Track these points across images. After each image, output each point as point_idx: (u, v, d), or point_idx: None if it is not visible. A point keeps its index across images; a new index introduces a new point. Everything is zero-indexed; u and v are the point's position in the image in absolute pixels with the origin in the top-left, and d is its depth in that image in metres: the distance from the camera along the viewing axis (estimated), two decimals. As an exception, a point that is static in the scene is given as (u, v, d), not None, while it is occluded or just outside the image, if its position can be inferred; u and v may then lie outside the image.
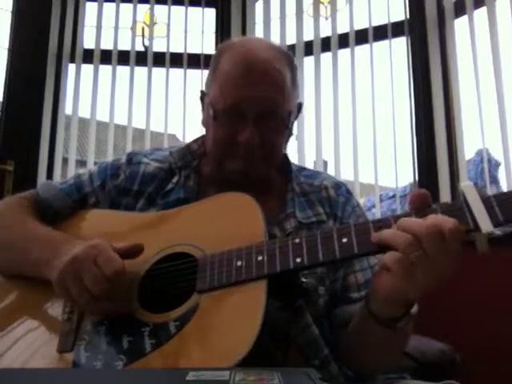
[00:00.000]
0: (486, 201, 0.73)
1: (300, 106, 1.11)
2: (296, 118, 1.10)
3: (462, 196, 0.75)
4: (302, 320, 0.92)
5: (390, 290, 0.76)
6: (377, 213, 2.67)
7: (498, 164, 2.84)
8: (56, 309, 0.92)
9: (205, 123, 1.08)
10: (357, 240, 0.78)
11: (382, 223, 0.79)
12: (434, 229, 0.72)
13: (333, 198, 1.08)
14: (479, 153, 2.56)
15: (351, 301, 0.99)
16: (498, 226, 0.72)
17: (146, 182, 1.08)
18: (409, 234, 0.73)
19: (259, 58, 0.99)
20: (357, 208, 1.09)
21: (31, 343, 0.90)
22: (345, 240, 0.79)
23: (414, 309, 0.81)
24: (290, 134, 1.10)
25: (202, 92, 1.10)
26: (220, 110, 0.98)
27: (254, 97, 0.96)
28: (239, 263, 0.82)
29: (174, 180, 1.07)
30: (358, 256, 0.80)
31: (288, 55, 1.05)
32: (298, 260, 0.80)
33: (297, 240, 0.82)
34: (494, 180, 2.90)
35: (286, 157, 1.14)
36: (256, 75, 0.97)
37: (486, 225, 0.72)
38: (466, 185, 0.75)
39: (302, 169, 1.16)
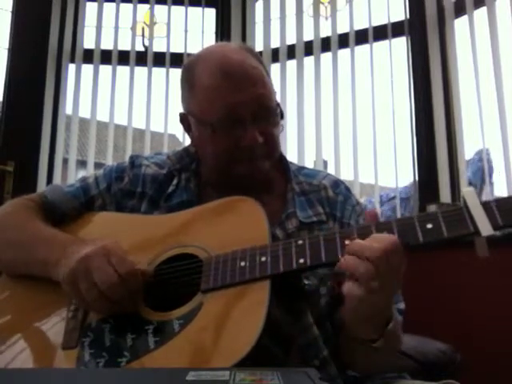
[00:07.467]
0: (485, 205, 0.75)
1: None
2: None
3: (463, 200, 0.77)
4: (303, 320, 0.93)
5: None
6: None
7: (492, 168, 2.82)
8: (61, 307, 0.93)
9: (197, 141, 1.06)
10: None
11: (384, 226, 0.80)
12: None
13: (331, 198, 1.08)
14: (479, 153, 2.56)
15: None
16: (498, 230, 0.74)
17: (146, 183, 1.09)
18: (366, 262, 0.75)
19: (232, 60, 0.99)
20: (357, 207, 1.09)
21: (36, 341, 0.91)
22: (347, 242, 0.80)
23: (390, 326, 0.82)
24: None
25: (181, 114, 1.08)
26: (215, 122, 0.98)
27: (244, 99, 0.96)
28: (243, 264, 0.84)
29: (174, 182, 1.08)
30: None
31: (253, 51, 1.06)
32: (301, 261, 0.81)
33: (300, 241, 0.84)
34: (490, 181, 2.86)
35: (283, 157, 1.14)
36: (236, 78, 0.97)
37: (485, 228, 0.73)
38: (466, 190, 0.78)
39: (301, 168, 1.16)
